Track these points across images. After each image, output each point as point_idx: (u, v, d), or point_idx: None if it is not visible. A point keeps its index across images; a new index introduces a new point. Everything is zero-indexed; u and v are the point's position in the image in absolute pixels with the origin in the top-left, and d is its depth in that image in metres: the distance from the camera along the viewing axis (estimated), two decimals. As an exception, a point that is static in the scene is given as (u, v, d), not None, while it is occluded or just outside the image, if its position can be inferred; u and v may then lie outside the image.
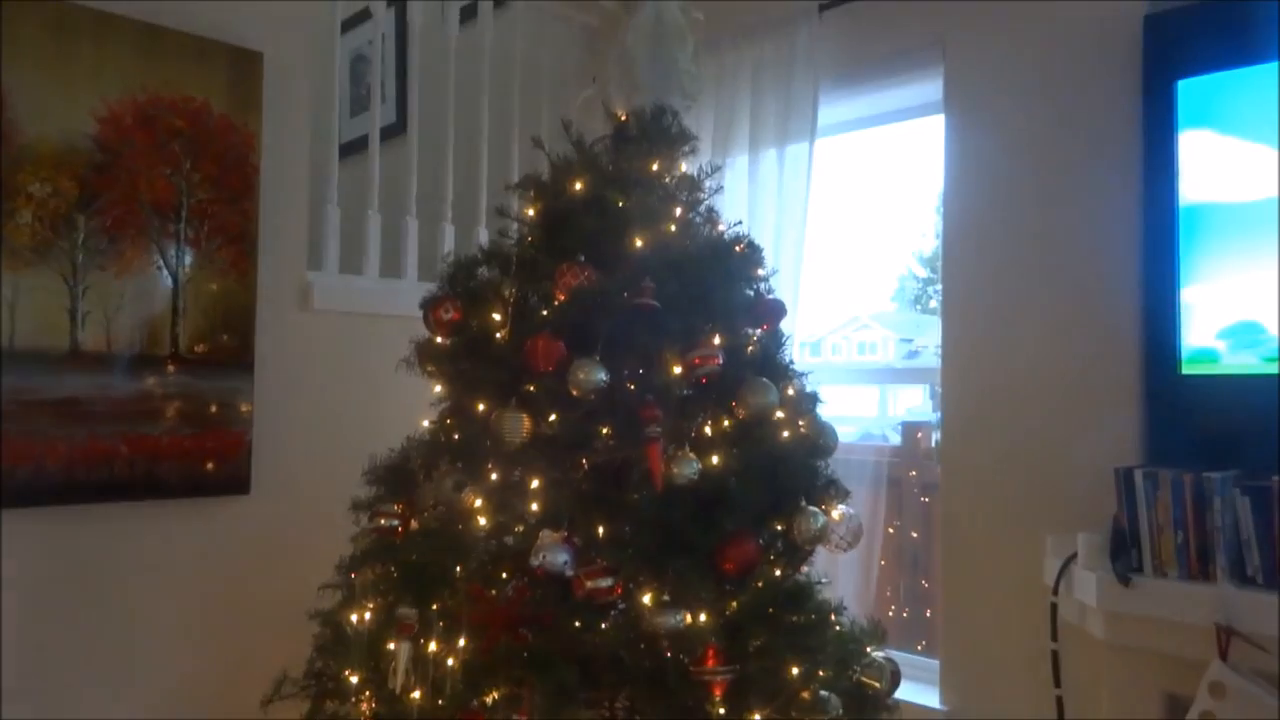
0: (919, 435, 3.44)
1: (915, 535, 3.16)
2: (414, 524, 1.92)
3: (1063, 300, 2.37)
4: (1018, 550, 2.35)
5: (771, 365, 1.91)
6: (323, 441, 2.60)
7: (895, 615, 3.11)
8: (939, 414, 2.94)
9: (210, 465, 2.41)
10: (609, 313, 1.80)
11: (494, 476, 1.83)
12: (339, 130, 2.83)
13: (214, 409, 2.42)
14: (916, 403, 3.80)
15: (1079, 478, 2.26)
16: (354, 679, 1.86)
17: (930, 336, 4.53)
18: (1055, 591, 2.16)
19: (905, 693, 1.88)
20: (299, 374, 2.60)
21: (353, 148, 2.78)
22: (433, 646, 1.76)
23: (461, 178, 3.03)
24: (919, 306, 5.20)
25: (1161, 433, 2.15)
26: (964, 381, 2.56)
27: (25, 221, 2.16)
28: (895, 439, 3.44)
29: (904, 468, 3.25)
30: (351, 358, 2.70)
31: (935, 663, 2.59)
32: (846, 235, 3.24)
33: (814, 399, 1.96)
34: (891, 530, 3.19)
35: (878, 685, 1.79)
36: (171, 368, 2.37)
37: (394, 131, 3.32)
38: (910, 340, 4.69)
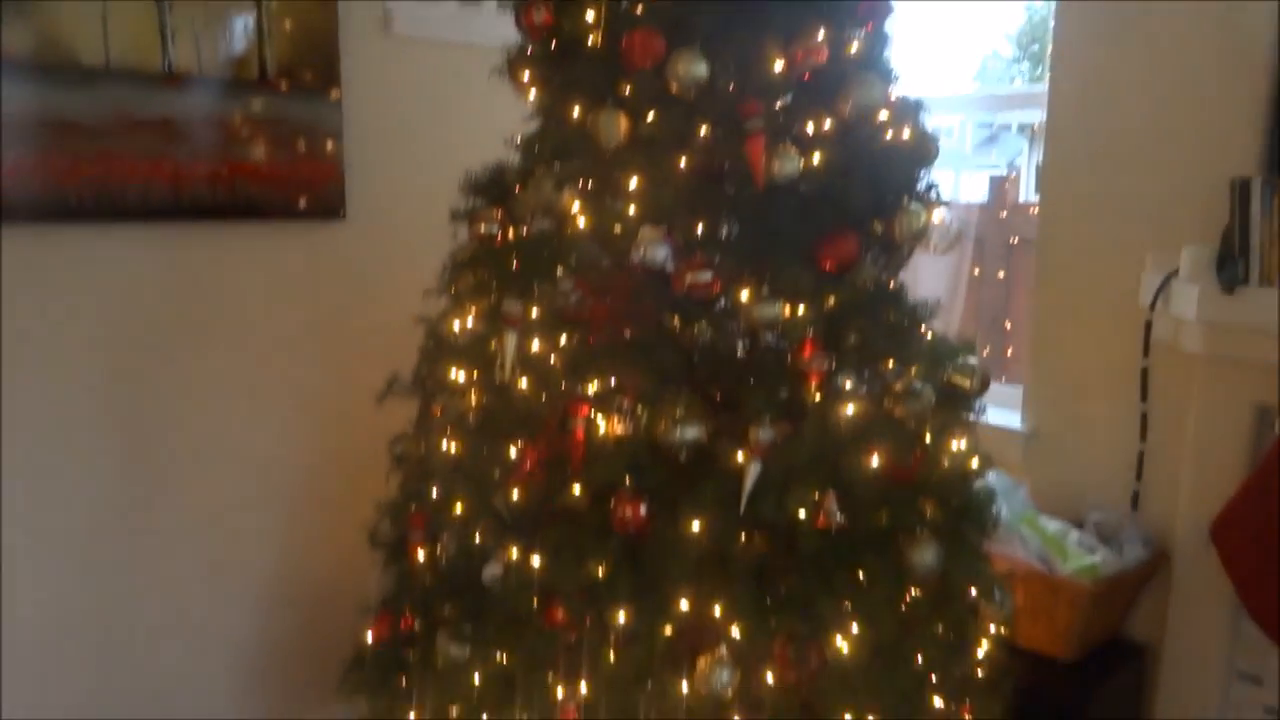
0: (1007, 183, 3.37)
1: (1001, 276, 3.14)
2: (511, 233, 1.95)
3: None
4: (1116, 271, 2.30)
5: (876, 66, 1.83)
6: (411, 167, 2.62)
7: (976, 353, 3.14)
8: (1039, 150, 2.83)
9: (306, 190, 2.46)
10: (707, 6, 1.72)
11: (591, 180, 1.83)
12: None
13: (304, 136, 2.44)
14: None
15: (1188, 193, 2.16)
16: (460, 376, 1.96)
17: (1009, 116, 4.31)
18: (1152, 308, 2.13)
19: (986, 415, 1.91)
20: (384, 101, 2.59)
21: None
22: (536, 345, 1.83)
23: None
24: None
25: (1285, 143, 2.04)
26: (1072, 96, 2.42)
27: (108, -70, 2.11)
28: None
29: (992, 223, 3.19)
30: (434, 85, 2.67)
31: (1018, 389, 2.62)
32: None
33: (918, 105, 1.88)
34: (977, 272, 3.17)
35: (968, 385, 1.82)
36: (262, 93, 2.37)
37: None
38: (989, 125, 4.47)
